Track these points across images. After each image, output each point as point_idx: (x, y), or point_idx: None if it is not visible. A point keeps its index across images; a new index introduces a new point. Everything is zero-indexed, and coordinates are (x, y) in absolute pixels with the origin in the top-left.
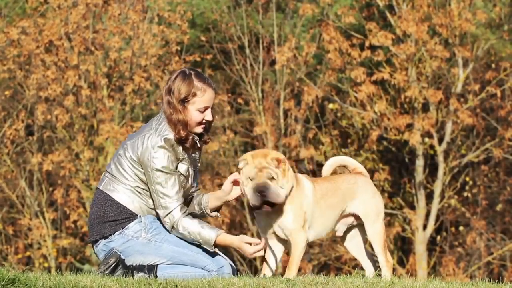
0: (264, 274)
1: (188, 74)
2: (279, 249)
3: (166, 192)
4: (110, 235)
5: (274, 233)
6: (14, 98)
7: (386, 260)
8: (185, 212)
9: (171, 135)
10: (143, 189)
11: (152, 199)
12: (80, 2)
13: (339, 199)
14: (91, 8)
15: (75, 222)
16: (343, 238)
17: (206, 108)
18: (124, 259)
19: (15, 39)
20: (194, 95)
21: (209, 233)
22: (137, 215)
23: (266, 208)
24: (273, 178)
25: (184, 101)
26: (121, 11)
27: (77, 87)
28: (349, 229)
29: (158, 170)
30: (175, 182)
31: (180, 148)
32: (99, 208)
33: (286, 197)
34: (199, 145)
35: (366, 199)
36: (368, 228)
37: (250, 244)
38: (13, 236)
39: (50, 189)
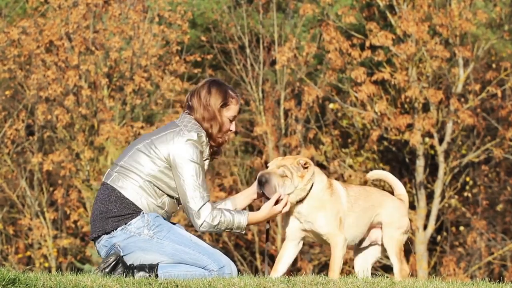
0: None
1: (222, 83)
2: (293, 252)
3: (199, 184)
4: (113, 230)
5: (300, 237)
6: (14, 98)
7: (401, 269)
8: (214, 205)
9: (203, 133)
10: (155, 185)
11: (179, 195)
12: (80, 2)
13: (371, 203)
14: (92, 8)
15: (75, 222)
16: (356, 252)
17: (234, 118)
18: (123, 257)
19: (15, 39)
20: (230, 102)
21: (239, 218)
22: (140, 211)
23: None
24: (286, 176)
25: (222, 106)
26: (122, 11)
27: (78, 87)
28: (364, 249)
29: (192, 161)
30: (205, 177)
31: (208, 148)
32: (103, 204)
33: (302, 200)
34: (220, 153)
35: (392, 212)
36: (385, 234)
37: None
38: (14, 236)
39: (51, 189)
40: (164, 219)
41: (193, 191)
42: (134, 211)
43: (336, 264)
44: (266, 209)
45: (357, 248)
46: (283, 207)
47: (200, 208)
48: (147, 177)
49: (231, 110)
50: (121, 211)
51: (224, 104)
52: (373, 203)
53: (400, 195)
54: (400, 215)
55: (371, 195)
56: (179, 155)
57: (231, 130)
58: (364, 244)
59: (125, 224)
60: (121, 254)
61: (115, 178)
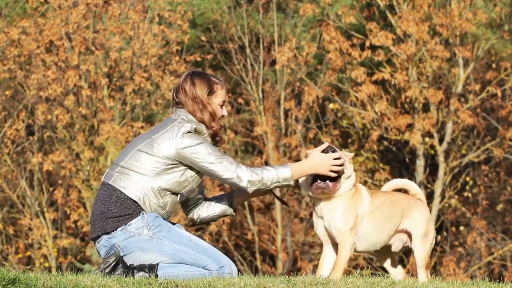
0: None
1: (202, 72)
2: (332, 255)
3: (220, 156)
4: (112, 231)
5: (330, 237)
6: (14, 98)
7: (428, 278)
8: (248, 165)
9: (202, 126)
10: (158, 184)
11: (211, 177)
12: (80, 2)
13: (396, 213)
14: (92, 8)
15: (75, 222)
16: (381, 257)
17: (223, 103)
18: (124, 257)
19: (15, 39)
20: (216, 88)
21: (282, 170)
22: (140, 211)
23: (321, 184)
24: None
25: (209, 94)
26: (122, 11)
27: (78, 87)
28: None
29: (201, 144)
30: (218, 151)
31: (209, 139)
32: (103, 204)
33: (345, 196)
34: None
35: (419, 219)
36: (416, 243)
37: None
38: (14, 236)
39: (51, 189)
40: (164, 219)
41: (220, 164)
42: (134, 211)
43: (340, 265)
44: (315, 156)
45: (380, 251)
46: (336, 165)
47: (236, 171)
48: (150, 176)
49: (219, 96)
50: (122, 211)
51: (211, 92)
52: (398, 213)
53: (416, 194)
54: (426, 222)
55: (397, 204)
56: (186, 147)
57: (223, 116)
58: (397, 247)
59: (125, 224)
60: (121, 254)
61: (117, 178)
